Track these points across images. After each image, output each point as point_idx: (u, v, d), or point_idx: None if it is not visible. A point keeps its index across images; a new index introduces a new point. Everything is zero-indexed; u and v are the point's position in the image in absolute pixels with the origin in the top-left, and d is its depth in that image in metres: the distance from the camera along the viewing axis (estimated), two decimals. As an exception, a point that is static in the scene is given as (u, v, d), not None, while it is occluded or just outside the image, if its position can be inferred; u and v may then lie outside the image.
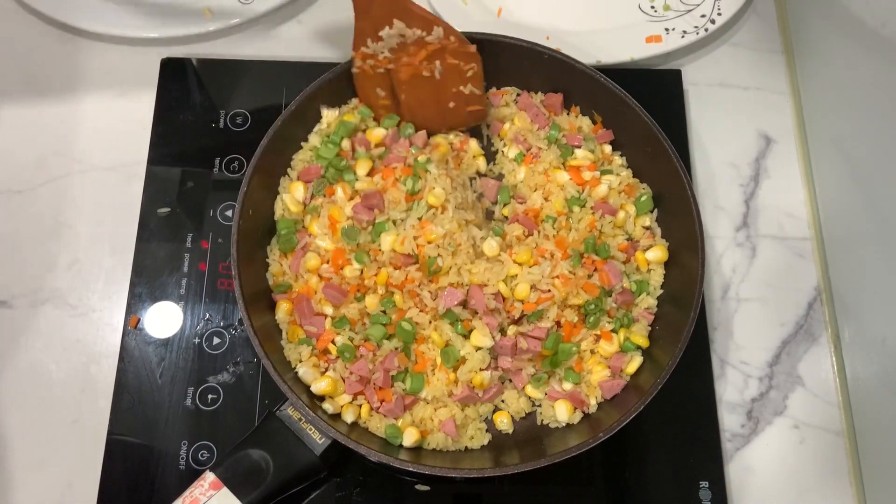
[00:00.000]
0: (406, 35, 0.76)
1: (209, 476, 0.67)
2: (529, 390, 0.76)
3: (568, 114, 0.87)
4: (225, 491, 0.67)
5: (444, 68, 0.79)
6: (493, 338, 0.74)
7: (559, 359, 0.75)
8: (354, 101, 0.84)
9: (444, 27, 0.76)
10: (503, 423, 0.76)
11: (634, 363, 0.75)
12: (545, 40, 0.91)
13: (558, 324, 0.76)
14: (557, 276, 0.75)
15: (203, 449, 0.76)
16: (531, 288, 0.75)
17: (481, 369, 0.74)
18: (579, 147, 0.83)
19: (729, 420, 0.80)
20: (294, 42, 0.96)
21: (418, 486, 0.75)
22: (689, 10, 0.96)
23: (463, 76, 0.80)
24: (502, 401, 0.77)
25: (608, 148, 0.85)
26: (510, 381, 0.77)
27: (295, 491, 0.70)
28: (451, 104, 0.82)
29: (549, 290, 0.75)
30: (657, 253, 0.79)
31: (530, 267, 0.76)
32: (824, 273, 0.86)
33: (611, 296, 0.77)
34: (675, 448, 0.78)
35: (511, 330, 0.75)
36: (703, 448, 0.78)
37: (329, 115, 0.83)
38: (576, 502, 0.76)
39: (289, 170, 0.82)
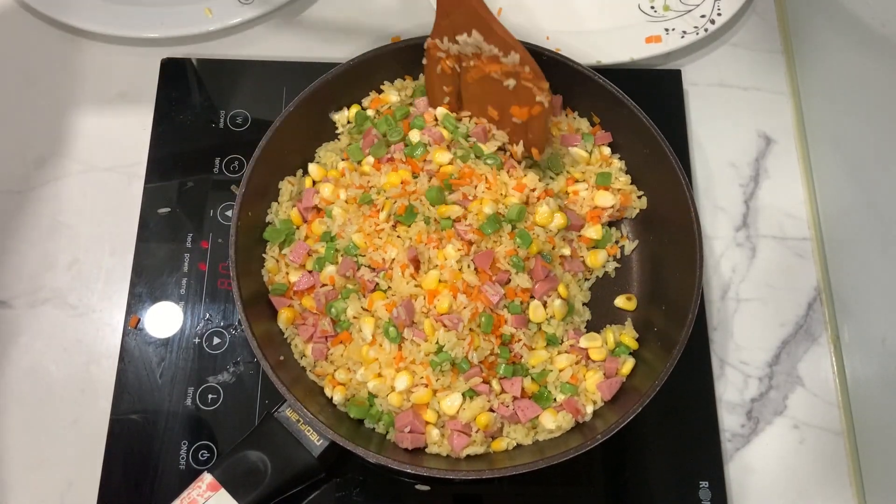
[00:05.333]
0: (482, 49, 0.74)
1: (207, 477, 0.67)
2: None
3: (566, 115, 0.86)
4: (223, 492, 0.67)
5: (516, 86, 0.76)
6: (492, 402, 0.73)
7: (544, 379, 0.75)
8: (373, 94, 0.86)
9: (522, 55, 0.73)
10: (503, 444, 0.73)
11: (628, 364, 0.75)
12: (545, 40, 0.91)
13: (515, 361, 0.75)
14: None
15: (203, 449, 0.76)
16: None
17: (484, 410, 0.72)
18: (575, 146, 0.83)
19: (729, 420, 0.80)
20: (294, 42, 0.96)
21: (418, 487, 0.75)
22: (689, 11, 0.95)
23: (531, 102, 0.76)
24: (507, 434, 0.74)
25: (607, 150, 0.85)
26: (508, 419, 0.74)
27: (294, 492, 0.70)
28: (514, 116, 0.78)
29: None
30: (593, 232, 0.81)
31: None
32: (824, 273, 0.86)
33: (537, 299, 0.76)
34: (675, 448, 0.78)
35: (495, 383, 0.73)
36: (703, 448, 0.78)
37: (341, 118, 0.85)
38: (576, 502, 0.76)
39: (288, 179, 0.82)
